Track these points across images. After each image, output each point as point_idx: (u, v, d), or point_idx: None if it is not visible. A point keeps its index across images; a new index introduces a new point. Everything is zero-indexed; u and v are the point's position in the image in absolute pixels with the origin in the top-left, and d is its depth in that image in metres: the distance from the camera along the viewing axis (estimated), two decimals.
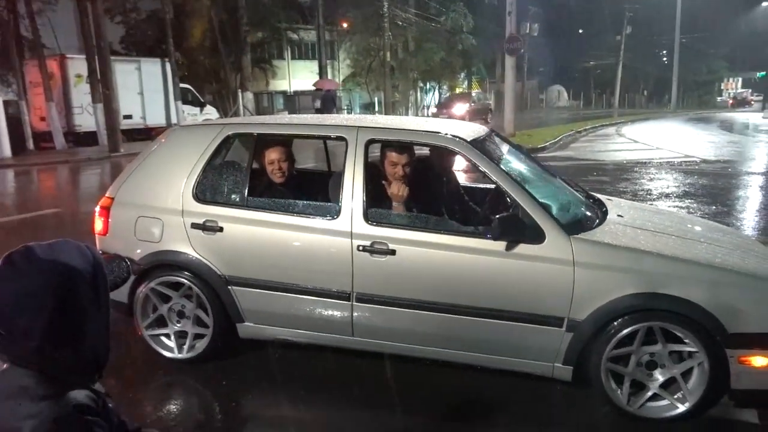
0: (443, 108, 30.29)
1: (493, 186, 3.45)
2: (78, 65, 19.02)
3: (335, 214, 3.31)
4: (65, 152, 17.70)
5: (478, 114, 28.00)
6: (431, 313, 3.18)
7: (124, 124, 19.41)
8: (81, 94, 19.18)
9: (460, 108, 29.10)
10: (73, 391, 1.27)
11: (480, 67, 44.42)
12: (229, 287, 3.50)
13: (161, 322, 3.69)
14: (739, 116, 37.12)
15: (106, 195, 3.79)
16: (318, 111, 21.46)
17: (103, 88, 16.75)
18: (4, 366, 1.25)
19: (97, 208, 3.78)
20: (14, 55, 18.05)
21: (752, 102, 54.20)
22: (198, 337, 3.65)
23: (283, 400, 3.33)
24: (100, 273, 1.34)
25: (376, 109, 35.49)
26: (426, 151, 3.89)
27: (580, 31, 55.16)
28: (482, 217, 3.71)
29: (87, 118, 19.25)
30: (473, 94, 33.90)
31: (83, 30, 17.90)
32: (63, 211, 9.07)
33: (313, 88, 28.23)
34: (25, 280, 1.23)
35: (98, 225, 3.76)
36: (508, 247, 3.04)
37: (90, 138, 19.04)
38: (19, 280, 1.23)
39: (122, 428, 1.56)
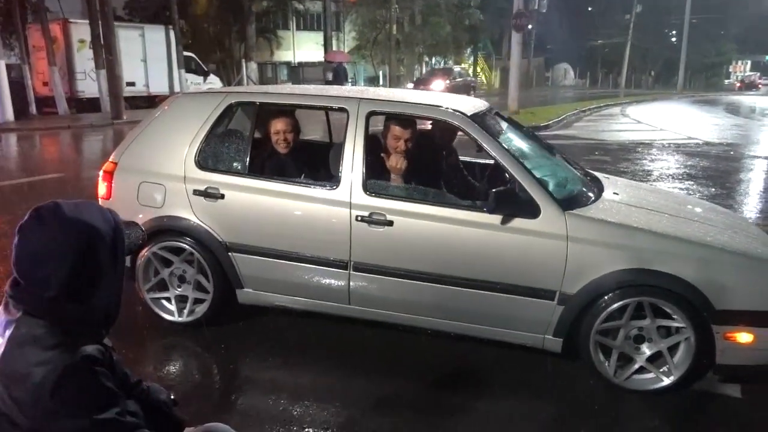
0: (421, 84, 27.62)
1: (492, 161, 3.49)
2: (81, 30, 18.88)
3: (335, 184, 3.36)
4: (68, 118, 17.64)
5: (458, 91, 24.10)
6: (426, 283, 3.25)
7: (127, 91, 19.33)
8: (84, 60, 19.12)
9: (439, 84, 26.58)
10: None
11: (486, 43, 44.04)
12: (230, 253, 3.57)
13: (162, 285, 3.77)
14: (746, 99, 36.84)
15: (110, 160, 3.84)
16: (329, 83, 21.36)
17: (106, 54, 16.63)
18: (18, 315, 1.32)
19: (101, 173, 3.83)
20: (17, 19, 17.90)
21: (760, 86, 53.64)
22: (198, 301, 3.73)
23: (280, 364, 3.41)
24: (119, 237, 1.40)
25: (381, 82, 35.23)
26: (427, 125, 3.92)
27: (589, 8, 54.38)
28: (480, 192, 3.75)
29: (90, 84, 19.19)
30: (455, 70, 31.04)
31: None
32: (66, 175, 9.13)
33: (319, 60, 28.01)
34: (51, 235, 1.29)
35: (102, 189, 3.81)
36: (504, 221, 3.09)
37: (93, 104, 18.99)
38: (45, 233, 1.29)
39: (126, 379, 1.65)
